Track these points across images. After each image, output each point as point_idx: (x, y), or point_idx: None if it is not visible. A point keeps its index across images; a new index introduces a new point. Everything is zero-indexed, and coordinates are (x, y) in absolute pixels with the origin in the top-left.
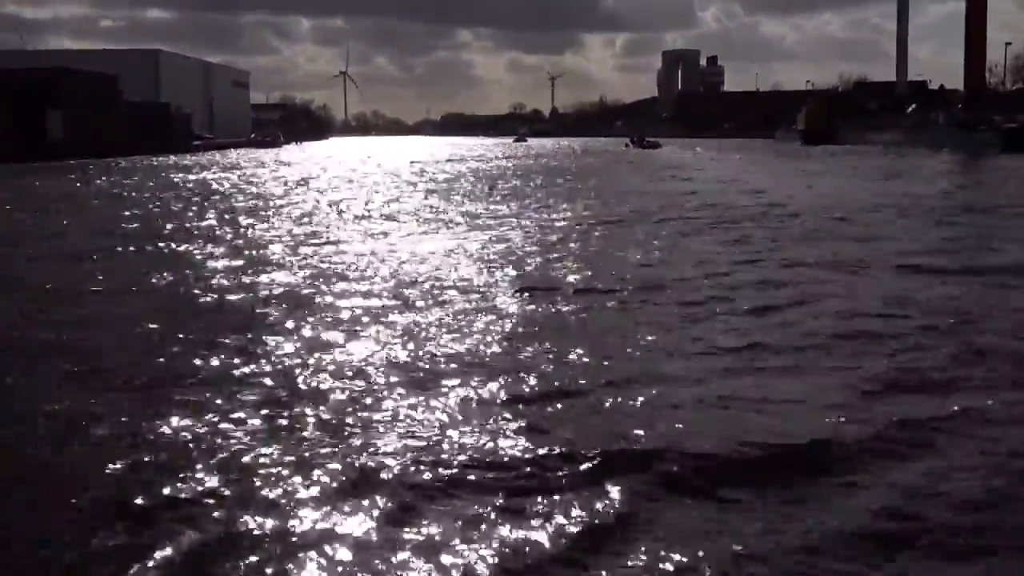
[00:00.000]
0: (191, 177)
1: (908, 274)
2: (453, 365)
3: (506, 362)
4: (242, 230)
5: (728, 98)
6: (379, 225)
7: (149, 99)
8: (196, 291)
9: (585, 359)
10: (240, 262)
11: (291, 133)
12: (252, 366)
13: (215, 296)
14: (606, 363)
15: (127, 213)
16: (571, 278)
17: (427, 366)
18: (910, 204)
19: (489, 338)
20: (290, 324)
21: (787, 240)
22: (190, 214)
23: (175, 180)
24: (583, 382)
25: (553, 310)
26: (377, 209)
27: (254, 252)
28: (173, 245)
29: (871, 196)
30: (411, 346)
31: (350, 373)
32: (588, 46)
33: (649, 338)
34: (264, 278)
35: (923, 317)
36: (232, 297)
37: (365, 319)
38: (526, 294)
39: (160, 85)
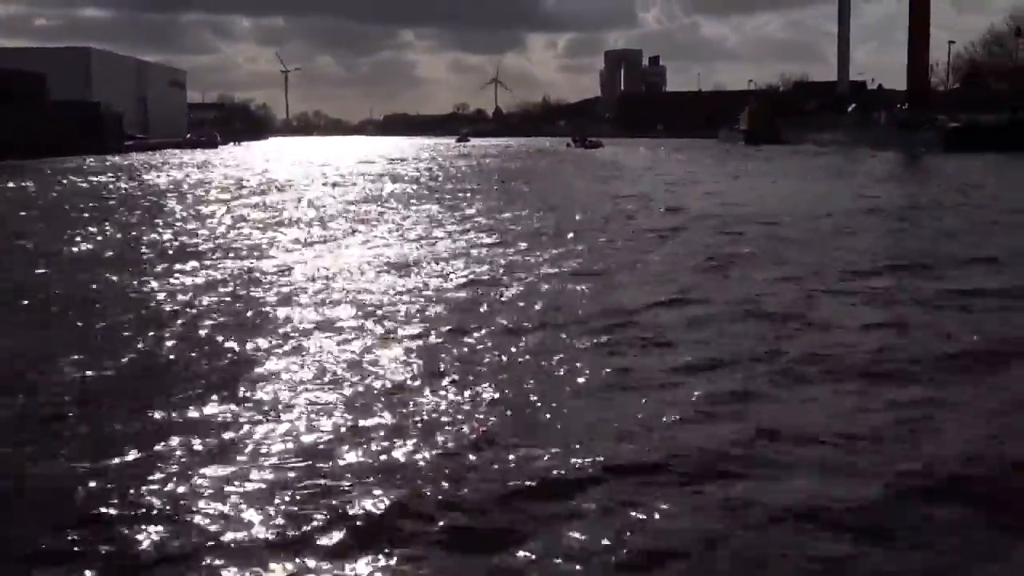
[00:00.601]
0: (97, 180)
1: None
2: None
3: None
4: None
5: (670, 98)
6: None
7: (80, 99)
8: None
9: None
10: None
11: (229, 133)
12: None
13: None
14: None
15: None
16: (500, 319)
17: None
18: (857, 207)
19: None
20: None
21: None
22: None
23: (80, 184)
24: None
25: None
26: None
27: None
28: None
29: (821, 200)
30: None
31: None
32: (530, 46)
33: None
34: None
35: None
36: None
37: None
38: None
39: (92, 84)
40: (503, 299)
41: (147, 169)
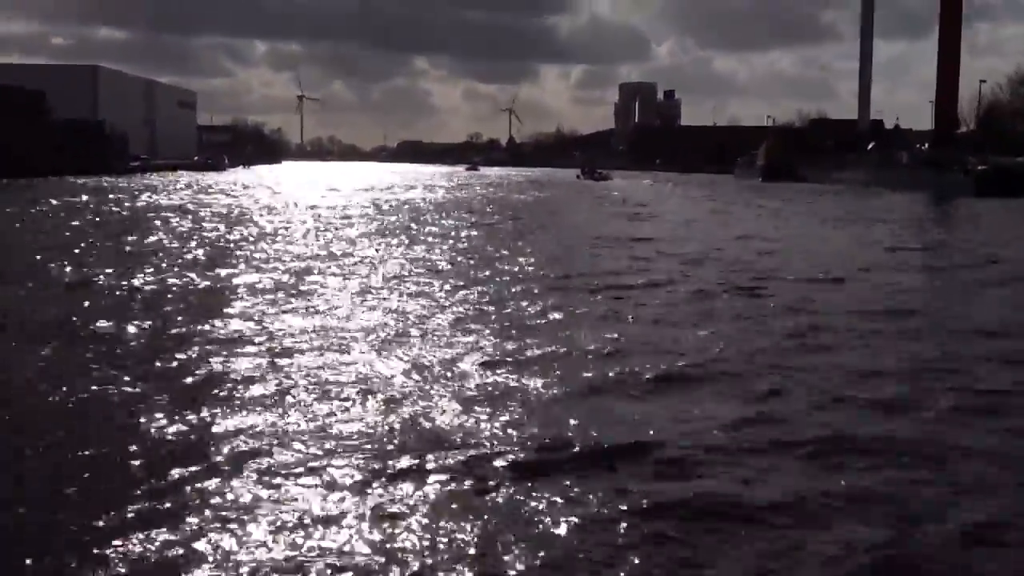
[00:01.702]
0: (77, 200)
1: None
2: None
3: None
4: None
5: (684, 132)
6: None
7: (87, 117)
8: None
9: None
10: None
11: (239, 156)
12: None
13: None
14: None
15: None
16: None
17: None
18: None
19: None
20: None
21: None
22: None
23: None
24: None
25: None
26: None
27: None
28: None
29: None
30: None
31: None
32: (543, 76)
33: None
34: None
35: None
36: None
37: None
38: None
39: (99, 103)
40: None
41: (137, 193)
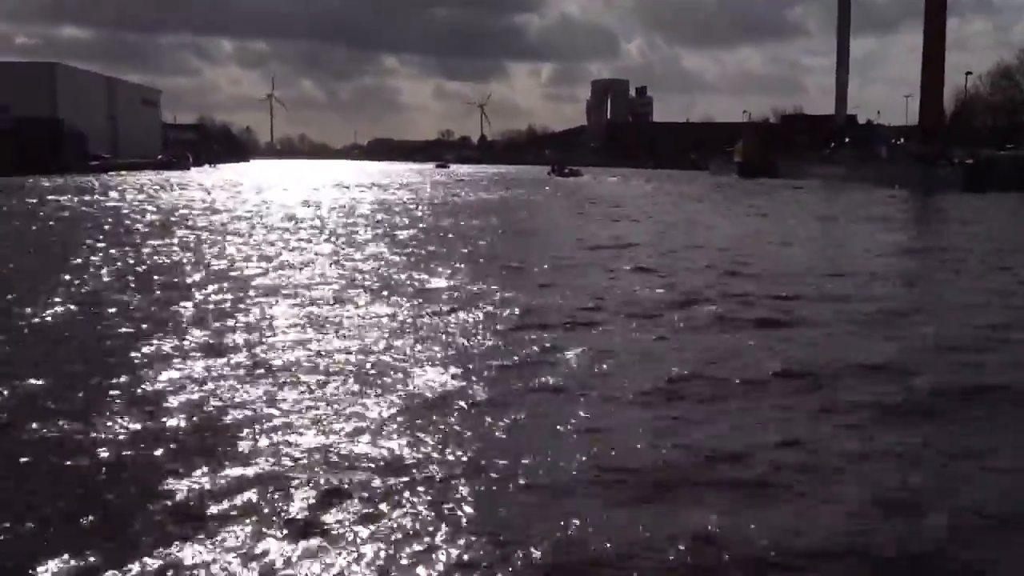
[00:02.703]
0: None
1: None
2: None
3: None
4: None
5: (658, 129)
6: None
7: (45, 116)
8: None
9: None
10: None
11: (205, 154)
12: None
13: None
14: None
15: None
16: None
17: None
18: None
19: None
20: None
21: None
22: None
23: None
24: None
25: None
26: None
27: None
28: None
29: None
30: None
31: None
32: (513, 75)
33: None
34: None
35: None
36: None
37: None
38: None
39: (58, 101)
40: None
41: (87, 192)
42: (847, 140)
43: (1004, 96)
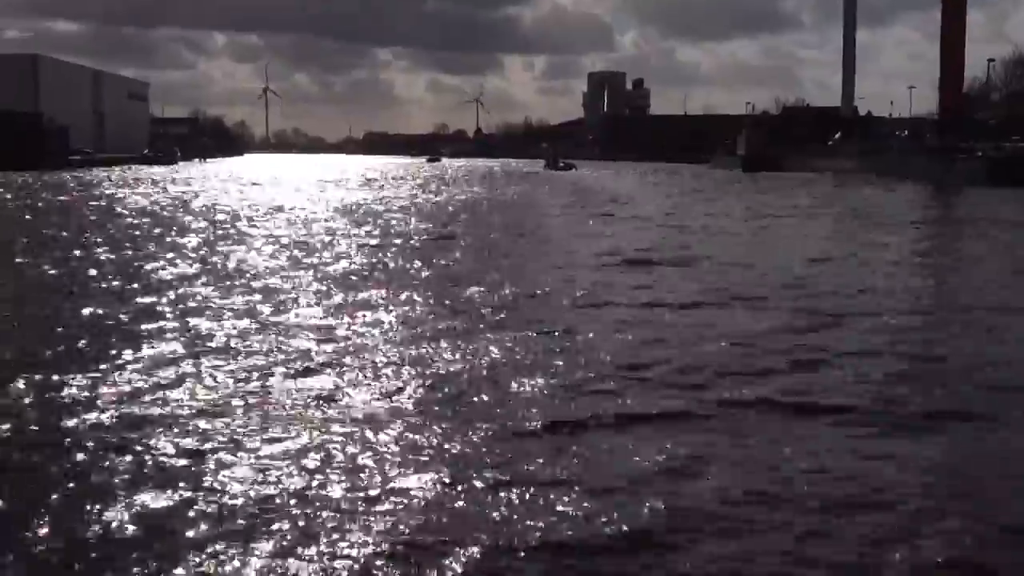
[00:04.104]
0: None
1: None
2: None
3: None
4: None
5: (655, 121)
6: None
7: (26, 109)
8: None
9: None
10: None
11: (195, 149)
12: None
13: None
14: None
15: None
16: None
17: None
18: None
19: None
20: None
21: None
22: None
23: None
24: None
25: None
26: None
27: None
28: None
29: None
30: None
31: None
32: (508, 67)
33: None
34: None
35: None
36: None
37: None
38: None
39: (40, 94)
40: None
41: (49, 189)
42: (851, 132)
43: (1020, 85)
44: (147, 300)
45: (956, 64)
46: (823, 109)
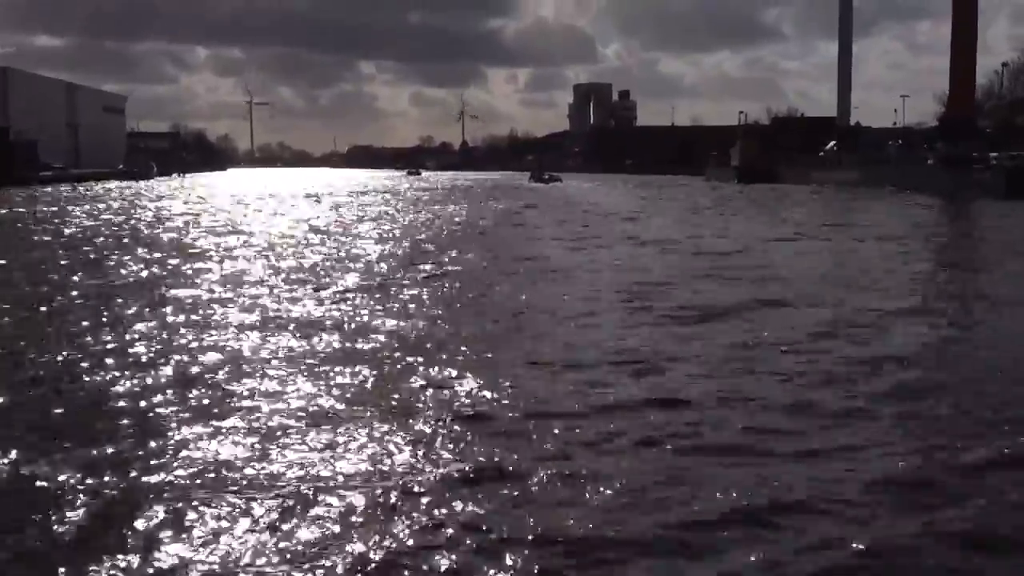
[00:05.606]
0: None
1: None
2: None
3: None
4: None
5: (643, 133)
6: None
7: None
8: None
9: None
10: None
11: (176, 163)
12: None
13: None
14: None
15: None
16: None
17: None
18: None
19: None
20: None
21: None
22: None
23: None
24: None
25: None
26: None
27: None
28: None
29: None
30: None
31: None
32: (491, 80)
33: None
34: None
35: None
36: None
37: None
38: None
39: (9, 108)
40: None
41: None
42: (845, 143)
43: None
44: None
45: (968, 66)
46: (815, 119)
